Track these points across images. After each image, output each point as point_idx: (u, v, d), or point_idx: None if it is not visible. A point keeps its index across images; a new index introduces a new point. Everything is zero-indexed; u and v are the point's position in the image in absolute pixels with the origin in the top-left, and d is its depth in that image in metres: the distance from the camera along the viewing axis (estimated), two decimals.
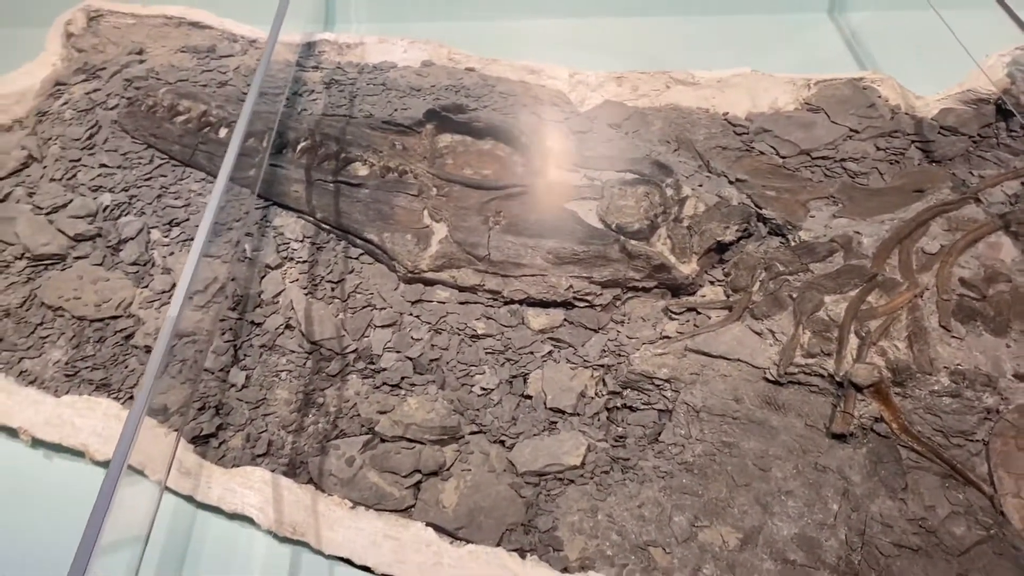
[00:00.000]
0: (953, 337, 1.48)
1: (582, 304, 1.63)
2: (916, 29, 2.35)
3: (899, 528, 1.34)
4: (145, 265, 1.78)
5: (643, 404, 1.52)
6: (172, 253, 1.79)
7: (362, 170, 1.84)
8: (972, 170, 1.84)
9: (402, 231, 1.71)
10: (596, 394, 1.54)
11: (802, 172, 1.91)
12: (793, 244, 1.67)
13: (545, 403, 1.54)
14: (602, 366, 1.57)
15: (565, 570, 1.35)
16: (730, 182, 1.80)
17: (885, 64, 2.22)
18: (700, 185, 1.78)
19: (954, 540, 1.34)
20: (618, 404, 1.53)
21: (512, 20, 2.39)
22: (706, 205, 1.72)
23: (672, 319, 1.62)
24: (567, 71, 2.06)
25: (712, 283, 1.67)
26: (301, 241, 1.78)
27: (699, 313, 1.62)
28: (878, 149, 1.94)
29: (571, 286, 1.61)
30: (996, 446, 1.37)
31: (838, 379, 1.47)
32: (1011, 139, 1.94)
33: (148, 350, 1.62)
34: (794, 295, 1.57)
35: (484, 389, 1.56)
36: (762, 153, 1.95)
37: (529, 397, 1.55)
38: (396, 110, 2.00)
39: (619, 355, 1.57)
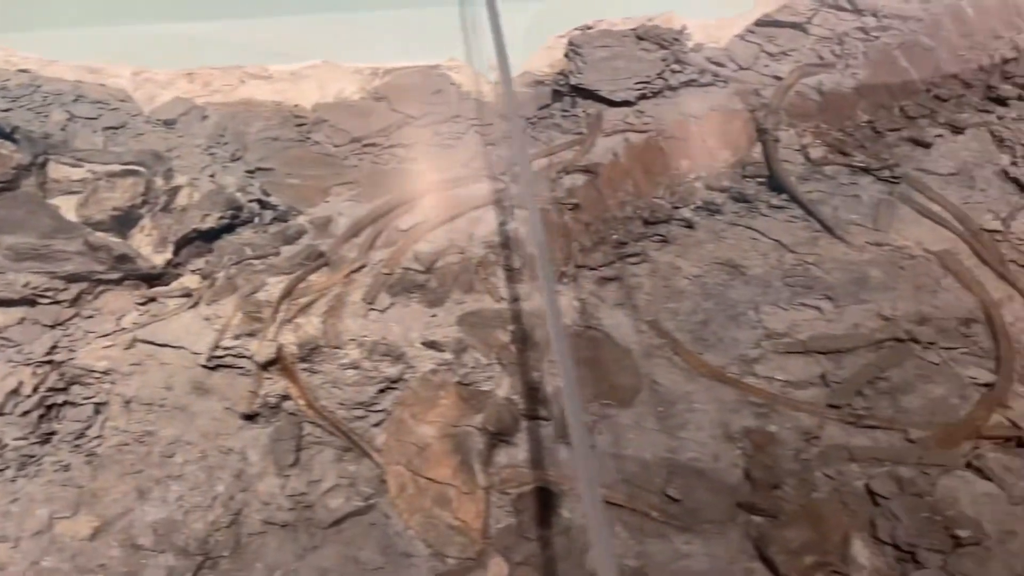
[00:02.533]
0: (372, 310, 1.42)
1: (46, 300, 1.56)
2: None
3: (275, 505, 1.30)
4: None
5: (83, 399, 1.45)
6: None
7: None
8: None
9: None
10: (33, 391, 1.45)
11: (349, 159, 1.85)
12: (273, 229, 1.61)
13: None
14: (48, 363, 1.49)
15: None
16: (248, 172, 1.74)
17: (460, 51, 2.18)
18: (212, 176, 1.73)
19: (327, 513, 1.28)
20: (60, 401, 1.44)
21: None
22: (201, 194, 1.66)
23: (137, 310, 1.55)
24: (130, 69, 2.01)
25: (193, 272, 1.60)
26: None
27: (158, 302, 1.54)
28: (436, 135, 1.89)
29: (28, 283, 1.54)
30: (395, 415, 1.31)
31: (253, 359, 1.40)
32: (563, 118, 1.90)
33: None
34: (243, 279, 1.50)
35: None
36: (317, 143, 1.89)
37: None
38: None
39: (71, 351, 1.50)
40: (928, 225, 1.65)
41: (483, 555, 1.18)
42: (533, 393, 1.31)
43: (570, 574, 1.17)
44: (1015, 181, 1.71)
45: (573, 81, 1.92)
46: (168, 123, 1.92)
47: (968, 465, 1.24)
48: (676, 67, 1.95)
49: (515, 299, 1.47)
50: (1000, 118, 1.82)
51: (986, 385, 1.37)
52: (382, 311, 1.43)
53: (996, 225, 1.63)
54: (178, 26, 2.26)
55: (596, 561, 1.07)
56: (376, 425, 1.35)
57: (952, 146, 1.78)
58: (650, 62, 1.93)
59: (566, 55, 1.97)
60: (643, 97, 1.91)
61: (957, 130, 1.80)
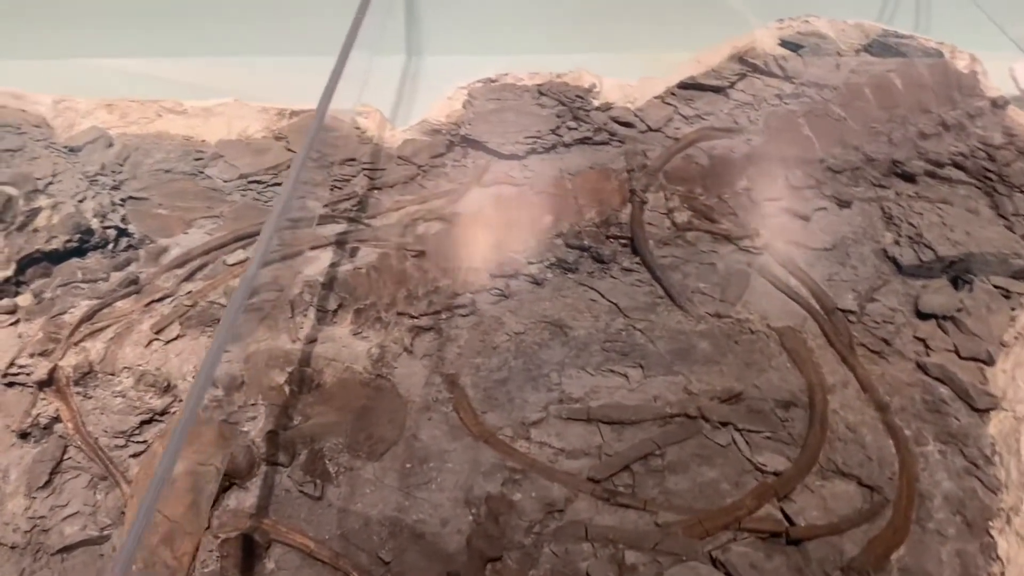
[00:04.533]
0: (155, 340, 1.42)
1: None
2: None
3: (13, 526, 1.29)
4: None
5: None
6: None
7: None
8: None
9: None
10: None
11: (232, 195, 1.89)
12: (118, 257, 1.65)
13: None
14: None
15: None
16: (120, 201, 1.79)
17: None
18: (81, 201, 1.78)
19: (59, 539, 1.28)
20: None
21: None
22: (59, 217, 1.71)
23: None
24: (52, 98, 2.10)
25: (32, 291, 1.65)
26: None
27: None
28: (330, 176, 1.91)
29: None
30: (153, 447, 1.31)
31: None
32: (452, 168, 1.90)
33: None
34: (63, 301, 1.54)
35: None
36: (208, 177, 1.93)
37: None
38: None
39: None
40: (781, 300, 1.54)
41: None
42: (275, 438, 1.26)
43: None
44: (893, 260, 1.58)
45: (463, 132, 1.88)
46: (74, 150, 1.96)
47: (710, 556, 1.12)
48: (572, 124, 1.89)
49: (311, 341, 1.42)
50: (898, 194, 1.69)
51: (775, 473, 1.24)
52: (166, 342, 1.40)
53: (853, 305, 1.49)
54: (112, 61, 2.35)
55: None
56: (134, 456, 1.32)
57: (834, 220, 1.67)
58: (544, 118, 1.88)
59: (464, 106, 1.94)
60: (533, 152, 1.86)
61: (843, 204, 1.69)
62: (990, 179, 1.73)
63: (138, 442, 1.35)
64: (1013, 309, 1.52)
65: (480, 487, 1.24)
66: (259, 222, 1.69)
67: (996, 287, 1.54)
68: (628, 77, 2.01)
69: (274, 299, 1.50)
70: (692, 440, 1.29)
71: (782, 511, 1.22)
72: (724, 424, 1.31)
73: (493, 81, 1.99)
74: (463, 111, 1.93)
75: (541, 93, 1.92)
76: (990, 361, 1.44)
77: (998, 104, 1.88)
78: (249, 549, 1.16)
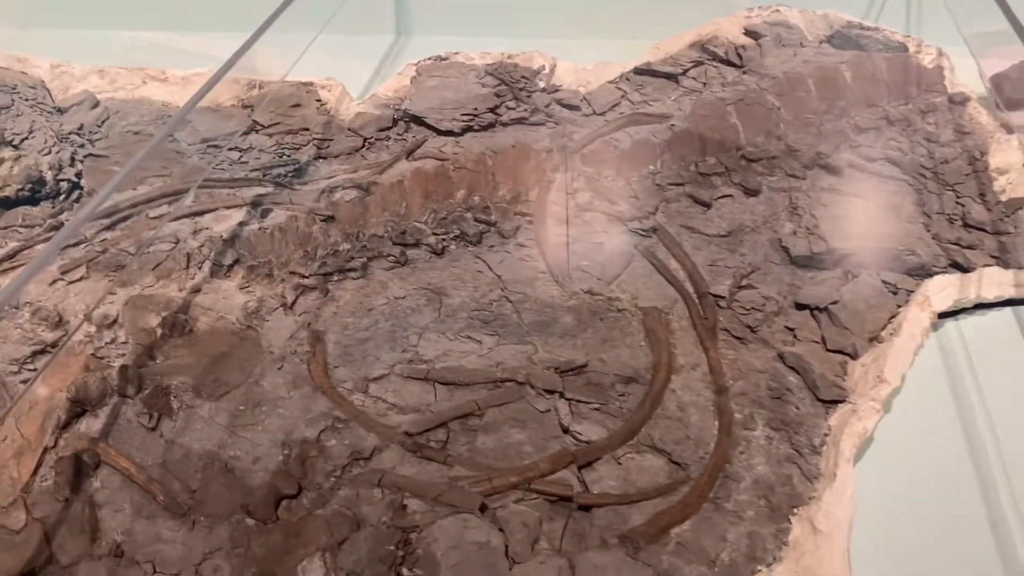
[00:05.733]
0: (59, 280, 1.57)
1: None
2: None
3: None
4: None
5: None
6: None
7: None
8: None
9: None
10: None
11: (191, 158, 2.04)
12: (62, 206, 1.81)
13: None
14: None
15: None
16: (83, 157, 1.96)
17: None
18: (46, 155, 1.96)
19: None
20: None
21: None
22: (19, 168, 1.90)
23: None
24: (51, 62, 2.29)
25: None
26: None
27: None
28: (279, 144, 2.04)
29: None
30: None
31: None
32: (395, 142, 2.00)
33: None
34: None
35: None
36: (174, 140, 2.09)
37: None
38: None
39: None
40: (658, 282, 1.56)
41: (12, 505, 1.25)
42: (126, 372, 1.37)
43: (67, 539, 1.21)
44: (785, 250, 1.58)
45: (404, 107, 1.96)
46: (63, 111, 2.13)
47: (482, 509, 1.17)
48: (512, 104, 1.95)
49: (195, 291, 1.53)
50: (812, 186, 1.69)
51: (587, 442, 1.28)
52: (68, 283, 1.53)
53: (725, 291, 1.51)
54: (114, 33, 2.53)
55: None
56: (23, 382, 1.44)
57: (736, 208, 1.68)
58: (483, 96, 1.94)
59: (411, 82, 2.02)
60: (469, 129, 1.93)
61: (751, 192, 1.69)
62: (924, 176, 1.70)
63: (30, 370, 1.45)
64: (898, 305, 1.48)
65: (300, 432, 1.31)
66: (189, 180, 1.79)
67: (885, 282, 1.51)
68: (590, 62, 2.04)
69: (169, 250, 1.60)
70: (514, 404, 1.33)
71: (579, 478, 1.23)
72: (551, 392, 1.34)
73: (443, 59, 2.06)
74: (409, 87, 1.99)
75: (487, 73, 1.96)
76: (855, 355, 1.42)
77: (955, 100, 1.83)
78: (79, 468, 1.26)
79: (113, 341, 1.45)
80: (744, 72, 1.90)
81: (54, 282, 1.55)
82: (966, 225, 1.58)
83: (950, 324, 1.49)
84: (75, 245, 1.63)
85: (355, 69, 2.46)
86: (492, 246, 1.67)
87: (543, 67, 2.02)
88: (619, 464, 1.26)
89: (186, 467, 1.26)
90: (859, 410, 1.28)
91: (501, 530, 1.15)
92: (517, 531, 1.14)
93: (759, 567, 1.13)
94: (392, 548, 1.11)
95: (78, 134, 2.00)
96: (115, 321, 1.46)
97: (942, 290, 1.46)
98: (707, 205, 1.65)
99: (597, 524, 1.18)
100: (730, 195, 1.67)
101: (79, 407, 1.35)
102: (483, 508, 1.17)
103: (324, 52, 2.30)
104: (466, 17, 2.63)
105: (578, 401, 1.33)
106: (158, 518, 1.20)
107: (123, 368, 1.37)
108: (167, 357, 1.42)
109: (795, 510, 1.20)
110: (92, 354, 1.43)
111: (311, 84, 2.13)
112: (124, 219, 1.74)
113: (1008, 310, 1.50)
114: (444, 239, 1.68)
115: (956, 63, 1.89)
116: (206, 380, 1.38)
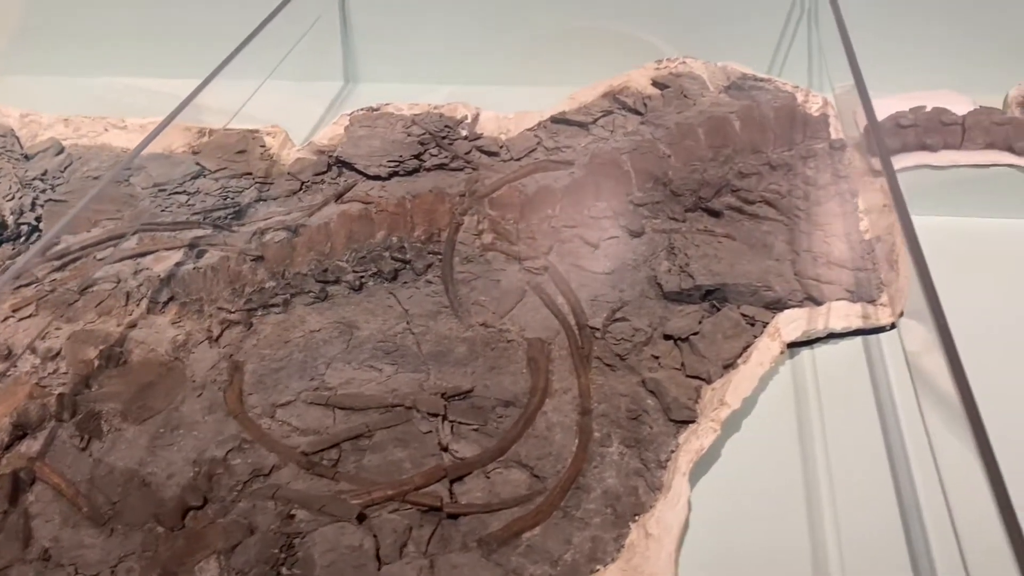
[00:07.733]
0: (10, 317, 1.78)
1: None
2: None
3: None
4: None
5: None
6: None
7: None
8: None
9: None
10: None
11: (143, 201, 2.26)
12: (17, 248, 2.02)
13: None
14: None
15: None
16: (43, 202, 2.17)
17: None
18: (9, 200, 2.18)
19: None
20: None
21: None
22: None
23: None
24: (20, 111, 2.52)
25: None
26: None
27: None
28: (224, 188, 2.26)
29: None
30: None
31: None
32: (328, 186, 2.21)
33: None
34: None
35: None
36: (129, 185, 2.31)
37: None
38: None
39: None
40: (544, 315, 1.76)
41: None
42: (62, 399, 1.58)
43: (3, 545, 1.41)
44: (659, 286, 1.78)
45: (337, 153, 2.18)
46: (29, 157, 2.36)
47: (361, 518, 1.38)
48: (435, 151, 2.16)
49: (132, 326, 1.75)
50: (690, 228, 1.89)
51: (462, 459, 1.49)
52: (19, 319, 1.74)
53: (600, 324, 1.71)
54: (79, 80, 2.76)
55: None
56: None
57: (621, 248, 1.88)
58: (408, 144, 2.16)
59: (344, 131, 2.24)
60: (395, 174, 2.14)
61: (635, 234, 1.90)
62: (799, 216, 1.90)
63: None
64: (755, 336, 1.69)
65: (211, 452, 1.51)
66: (132, 224, 2.00)
67: (744, 315, 1.71)
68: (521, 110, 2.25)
69: (111, 289, 1.81)
70: (401, 426, 1.53)
71: (450, 491, 1.44)
72: (434, 415, 1.54)
73: (375, 110, 2.28)
74: (343, 135, 2.21)
75: (413, 122, 2.18)
76: (709, 380, 1.62)
77: (835, 147, 2.04)
78: (16, 484, 1.47)
79: (55, 372, 1.64)
80: (642, 122, 2.10)
81: (5, 319, 1.75)
82: (828, 262, 1.77)
83: (805, 352, 1.68)
84: (27, 285, 1.83)
85: (306, 114, 2.68)
86: (405, 283, 1.87)
87: (466, 116, 2.23)
88: (487, 478, 1.45)
89: (110, 482, 1.46)
90: (699, 430, 1.46)
91: (375, 536, 1.34)
92: (388, 536, 1.34)
93: (597, 566, 1.31)
94: (276, 551, 1.31)
95: (41, 179, 2.20)
96: (58, 354, 1.66)
97: (791, 322, 1.65)
98: (595, 246, 1.85)
99: (462, 530, 1.38)
100: (616, 236, 1.87)
101: (20, 431, 1.54)
102: (361, 517, 1.35)
103: (276, 96, 2.52)
104: (411, 65, 2.85)
105: (460, 423, 1.53)
106: (82, 527, 1.40)
107: (60, 396, 1.57)
108: (101, 386, 1.62)
109: (636, 517, 1.39)
110: (36, 383, 1.62)
111: (256, 131, 2.33)
112: (74, 260, 1.92)
113: (858, 339, 1.69)
114: (363, 276, 1.87)
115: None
116: (133, 406, 1.58)
